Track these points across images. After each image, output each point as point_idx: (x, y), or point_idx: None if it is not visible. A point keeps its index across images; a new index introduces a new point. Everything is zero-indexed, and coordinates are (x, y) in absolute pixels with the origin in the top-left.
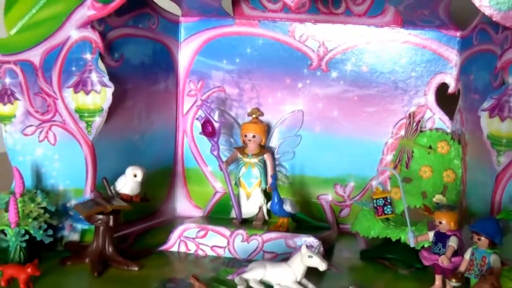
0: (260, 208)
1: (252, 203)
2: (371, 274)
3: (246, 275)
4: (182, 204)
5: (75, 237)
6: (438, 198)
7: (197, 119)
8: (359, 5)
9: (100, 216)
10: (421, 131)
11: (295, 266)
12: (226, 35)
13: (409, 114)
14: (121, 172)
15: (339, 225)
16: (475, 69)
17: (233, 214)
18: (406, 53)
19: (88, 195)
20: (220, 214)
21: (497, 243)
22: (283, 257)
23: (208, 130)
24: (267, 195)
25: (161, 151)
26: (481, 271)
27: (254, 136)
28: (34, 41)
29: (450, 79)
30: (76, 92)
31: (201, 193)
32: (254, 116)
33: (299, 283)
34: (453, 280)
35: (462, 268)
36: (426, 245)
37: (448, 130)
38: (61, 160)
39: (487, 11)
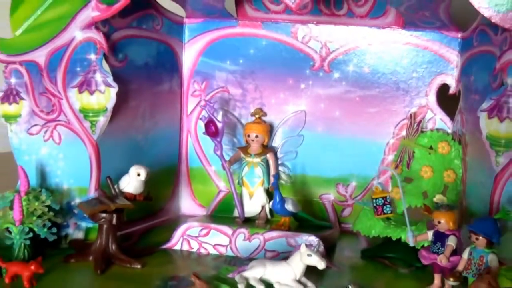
0: (263, 207)
1: (254, 202)
2: (372, 272)
3: (246, 273)
4: (186, 203)
5: (79, 235)
6: (438, 198)
7: (200, 119)
8: (361, 6)
9: (104, 215)
10: (422, 132)
11: (294, 265)
12: (230, 36)
13: (410, 115)
14: (125, 171)
15: (341, 224)
16: (475, 70)
17: (236, 213)
18: (407, 54)
19: (92, 193)
20: (223, 213)
21: (495, 243)
22: (285, 255)
23: (211, 130)
24: (270, 195)
25: (165, 151)
26: (479, 270)
27: (257, 136)
28: (39, 42)
29: (451, 80)
30: (80, 92)
31: (205, 192)
32: (257, 116)
33: (299, 281)
34: (451, 279)
35: (460, 267)
36: (426, 245)
37: (449, 131)
38: (65, 159)
39: (486, 13)
